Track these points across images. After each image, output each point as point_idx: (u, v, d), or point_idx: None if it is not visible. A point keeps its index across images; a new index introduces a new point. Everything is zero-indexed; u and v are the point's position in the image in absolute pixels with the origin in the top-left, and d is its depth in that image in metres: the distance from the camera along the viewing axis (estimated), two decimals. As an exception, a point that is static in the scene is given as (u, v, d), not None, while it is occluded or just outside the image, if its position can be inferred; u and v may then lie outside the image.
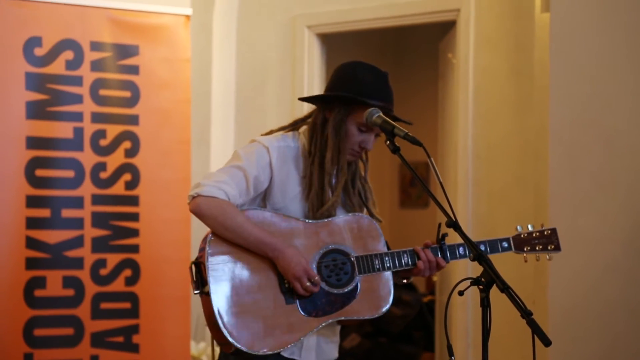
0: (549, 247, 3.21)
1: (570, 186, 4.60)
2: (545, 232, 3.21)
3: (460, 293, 2.61)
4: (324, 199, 2.98)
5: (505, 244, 3.15)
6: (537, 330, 2.41)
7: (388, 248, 3.04)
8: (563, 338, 4.51)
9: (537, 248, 3.19)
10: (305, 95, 5.82)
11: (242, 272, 2.87)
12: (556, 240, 3.21)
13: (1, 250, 4.45)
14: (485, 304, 2.53)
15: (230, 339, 2.81)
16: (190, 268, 2.91)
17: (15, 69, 4.52)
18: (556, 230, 3.22)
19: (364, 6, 5.91)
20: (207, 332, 5.70)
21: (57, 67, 4.60)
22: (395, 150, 2.85)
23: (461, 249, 3.06)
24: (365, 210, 3.10)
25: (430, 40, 7.52)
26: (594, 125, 4.60)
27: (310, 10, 6.03)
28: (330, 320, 2.92)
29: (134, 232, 4.72)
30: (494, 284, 2.52)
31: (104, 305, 4.64)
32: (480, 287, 2.54)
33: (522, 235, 3.18)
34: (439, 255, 3.03)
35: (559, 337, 4.44)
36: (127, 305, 4.69)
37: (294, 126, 3.11)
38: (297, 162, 3.01)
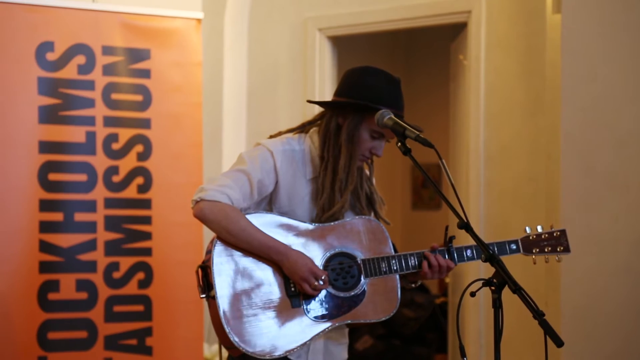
0: (558, 249, 3.17)
1: (582, 187, 4.59)
2: (555, 234, 3.18)
3: (472, 294, 2.61)
4: (332, 203, 2.97)
5: (513, 246, 3.11)
6: (549, 331, 2.41)
7: (395, 250, 3.04)
8: (575, 338, 4.50)
9: (546, 250, 3.16)
10: (317, 97, 5.86)
11: (248, 276, 2.88)
12: (565, 241, 3.18)
13: (15, 254, 4.47)
14: (497, 305, 2.52)
15: (236, 343, 2.81)
16: (197, 272, 2.92)
17: (27, 73, 4.53)
18: (565, 231, 3.19)
19: (375, 8, 5.91)
20: (220, 335, 5.72)
21: (69, 71, 4.62)
22: (407, 152, 2.85)
23: (469, 251, 3.04)
24: (372, 212, 3.09)
25: (442, 42, 7.52)
26: (605, 125, 4.59)
27: (321, 13, 6.04)
28: (337, 324, 2.92)
29: (147, 235, 4.73)
30: (506, 285, 2.52)
31: (117, 308, 4.65)
32: (492, 288, 2.53)
33: (530, 237, 3.15)
34: (447, 258, 3.01)
35: (571, 338, 4.44)
36: (140, 308, 4.70)
37: (302, 129, 3.10)
38: (304, 165, 3.01)
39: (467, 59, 5.64)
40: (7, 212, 4.47)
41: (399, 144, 2.86)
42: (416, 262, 3.00)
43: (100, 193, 4.65)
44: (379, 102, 2.93)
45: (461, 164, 5.82)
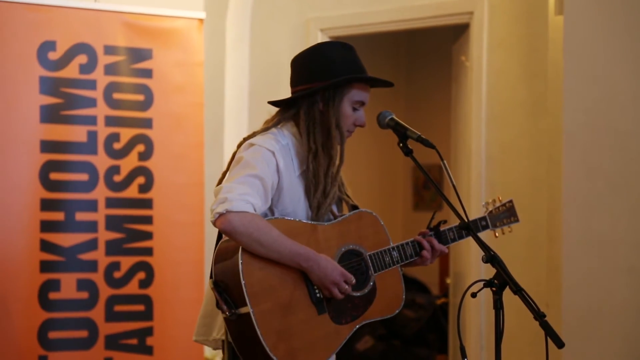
0: (511, 219, 3.33)
1: (584, 188, 4.59)
2: (506, 205, 3.34)
3: (474, 295, 2.61)
4: (327, 192, 2.91)
5: (483, 222, 3.29)
6: (550, 332, 2.41)
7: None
8: (577, 340, 4.50)
9: (504, 222, 3.32)
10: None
11: (278, 287, 2.76)
12: (514, 211, 3.34)
13: (16, 253, 4.46)
14: (498, 306, 2.53)
15: None
16: (213, 289, 2.77)
17: (29, 73, 4.53)
18: (513, 201, 3.36)
19: (377, 9, 5.91)
20: (221, 335, 5.70)
21: (71, 71, 4.62)
22: (408, 152, 2.85)
23: (450, 233, 3.11)
24: (346, 196, 3.05)
25: (443, 43, 7.52)
26: (608, 127, 4.59)
27: (324, 14, 6.04)
28: (358, 325, 2.88)
29: (148, 235, 4.73)
30: (507, 286, 2.52)
31: (118, 308, 4.65)
32: (494, 289, 2.54)
33: (493, 212, 3.30)
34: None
35: (572, 339, 4.44)
36: (140, 307, 4.70)
37: (266, 130, 2.99)
38: (293, 160, 2.93)
39: (469, 60, 5.64)
40: (8, 211, 4.47)
41: (401, 144, 2.86)
42: (412, 251, 3.02)
43: (101, 193, 4.65)
44: (351, 72, 2.90)
45: (462, 165, 5.82)
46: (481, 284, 2.57)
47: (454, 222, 3.02)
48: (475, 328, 5.45)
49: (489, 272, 2.57)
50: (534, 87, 5.24)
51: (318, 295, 2.81)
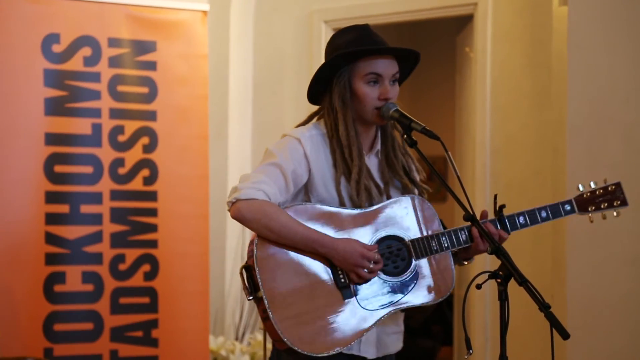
0: (615, 204, 3.06)
1: (589, 179, 4.56)
2: (609, 188, 3.07)
3: (478, 287, 2.60)
4: (351, 169, 2.84)
5: (567, 207, 3.01)
6: (555, 324, 2.41)
7: (444, 227, 2.91)
8: (582, 331, 4.50)
9: (602, 206, 3.05)
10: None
11: (294, 272, 2.74)
12: (622, 194, 3.06)
13: (21, 246, 4.47)
14: (503, 297, 2.52)
15: (290, 344, 2.68)
16: (241, 273, 2.79)
17: (33, 65, 4.54)
18: (620, 184, 3.08)
19: (381, 0, 5.91)
20: (226, 327, 5.74)
21: (76, 63, 4.62)
22: (413, 144, 2.83)
23: (521, 218, 2.95)
24: (410, 181, 2.97)
25: (447, 35, 7.51)
26: (612, 118, 4.59)
27: (327, 5, 6.04)
28: (391, 311, 2.81)
29: (153, 228, 4.74)
30: (512, 278, 2.51)
31: (123, 300, 4.66)
32: (498, 280, 2.53)
33: (584, 195, 3.04)
34: (499, 228, 2.90)
35: (577, 331, 4.43)
36: (146, 300, 4.71)
37: (310, 120, 3.00)
38: (327, 148, 2.88)
39: (473, 52, 5.63)
40: (13, 204, 4.48)
41: (405, 136, 2.83)
42: (467, 237, 2.88)
43: (106, 185, 4.65)
44: (351, 47, 2.84)
45: (467, 157, 5.81)
46: (486, 276, 2.56)
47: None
48: (480, 320, 5.45)
49: (494, 263, 2.56)
50: (538, 79, 5.23)
51: (343, 280, 2.77)
